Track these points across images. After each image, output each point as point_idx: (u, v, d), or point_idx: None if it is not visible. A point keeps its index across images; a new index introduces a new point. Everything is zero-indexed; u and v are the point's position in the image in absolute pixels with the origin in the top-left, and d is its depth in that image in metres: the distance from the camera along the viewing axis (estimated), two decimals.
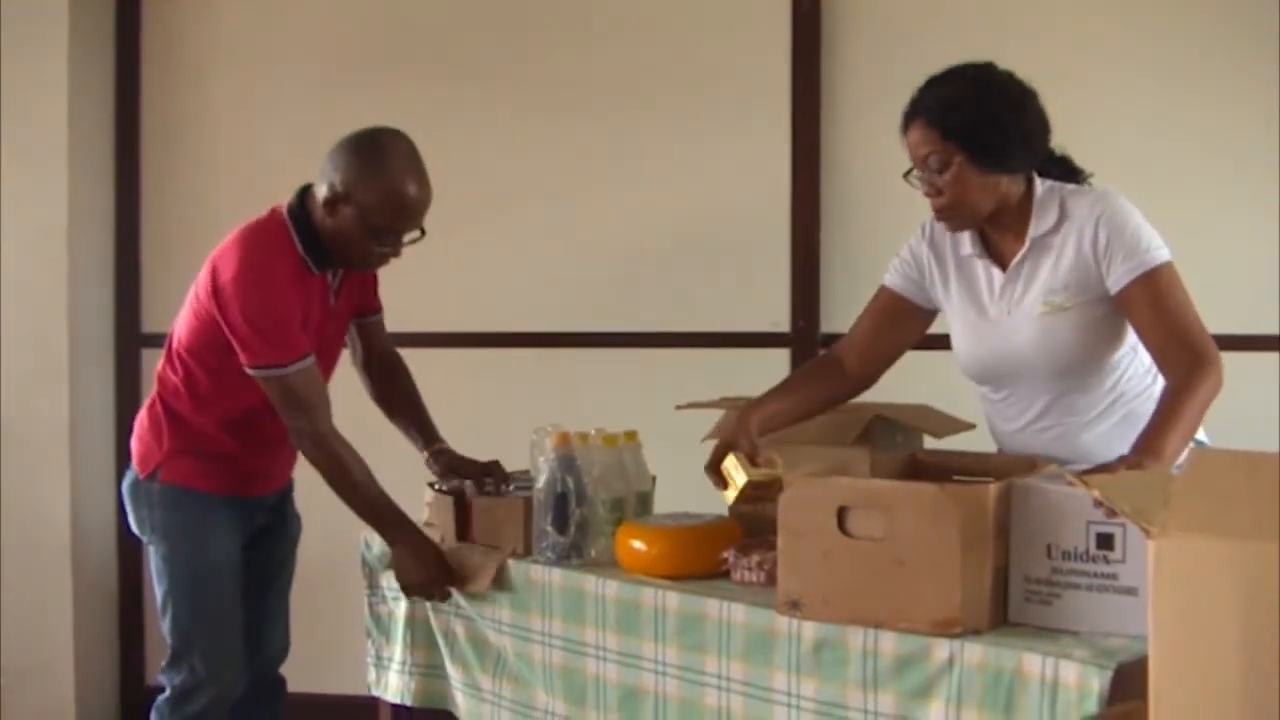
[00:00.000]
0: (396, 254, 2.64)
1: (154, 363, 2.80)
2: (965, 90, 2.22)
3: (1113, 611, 1.79)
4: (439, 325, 3.94)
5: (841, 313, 3.66)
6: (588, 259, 3.89)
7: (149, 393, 2.82)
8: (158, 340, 2.83)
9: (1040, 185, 2.27)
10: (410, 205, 2.57)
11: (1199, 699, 1.14)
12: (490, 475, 2.70)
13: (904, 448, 2.39)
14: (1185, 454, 1.97)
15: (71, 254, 3.96)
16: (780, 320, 3.72)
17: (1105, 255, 2.19)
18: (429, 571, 2.55)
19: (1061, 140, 2.36)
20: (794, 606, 1.99)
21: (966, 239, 2.34)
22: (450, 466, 2.77)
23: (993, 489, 1.86)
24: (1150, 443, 1.98)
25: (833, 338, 3.67)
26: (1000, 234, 2.31)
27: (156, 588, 2.74)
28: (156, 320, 4.01)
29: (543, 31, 3.91)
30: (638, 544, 2.29)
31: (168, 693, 2.72)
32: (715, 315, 3.79)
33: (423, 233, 2.63)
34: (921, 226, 2.43)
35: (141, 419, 2.77)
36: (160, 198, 4.14)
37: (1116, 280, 2.18)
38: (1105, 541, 1.80)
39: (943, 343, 2.48)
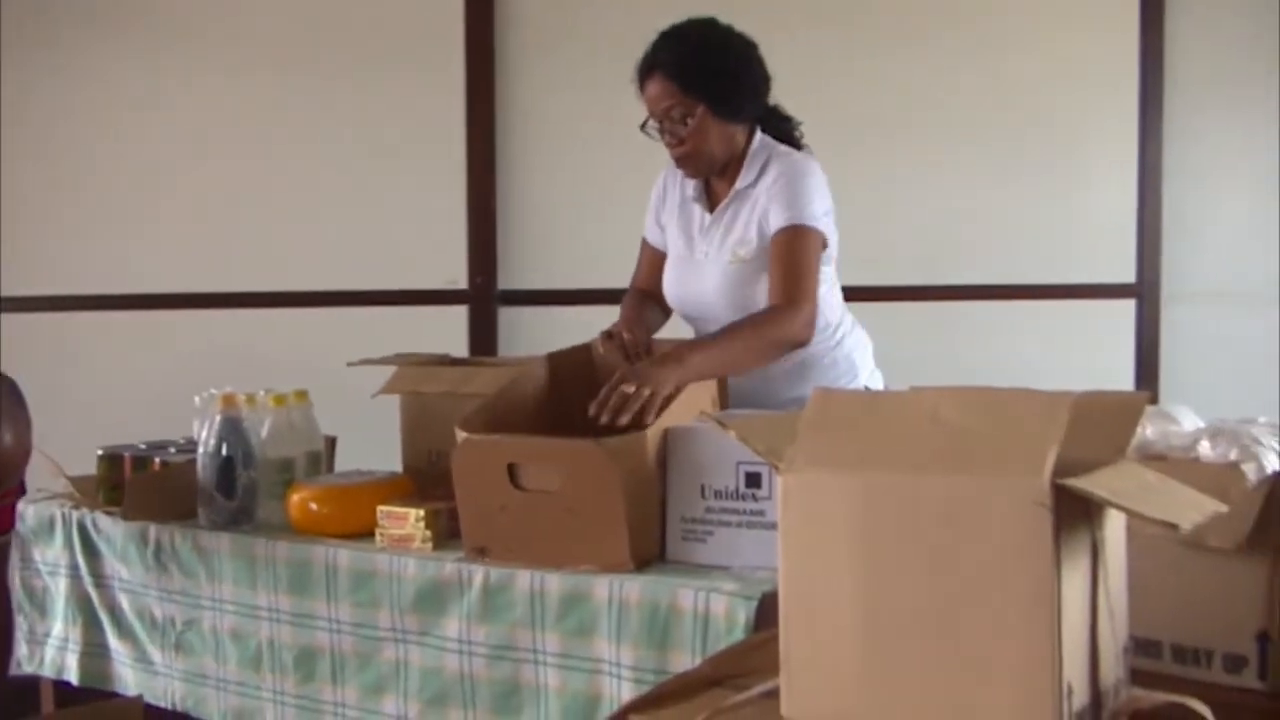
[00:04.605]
0: None
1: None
2: (702, 45, 2.35)
3: (761, 546, 1.90)
4: (97, 287, 3.76)
5: (519, 268, 3.71)
6: (259, 217, 3.79)
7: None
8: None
9: (757, 139, 2.40)
10: None
11: (822, 622, 1.22)
12: None
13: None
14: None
15: None
16: (458, 277, 3.73)
17: (771, 208, 2.32)
18: None
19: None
20: (481, 553, 2.04)
21: (692, 184, 2.47)
22: None
23: (649, 435, 1.95)
24: (680, 348, 2.11)
25: (511, 294, 3.71)
26: (719, 181, 2.45)
27: None
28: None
29: None
30: (307, 504, 2.27)
31: None
32: (393, 272, 3.76)
33: None
34: (662, 174, 2.55)
35: None
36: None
37: (770, 230, 2.31)
38: (753, 480, 1.91)
39: None
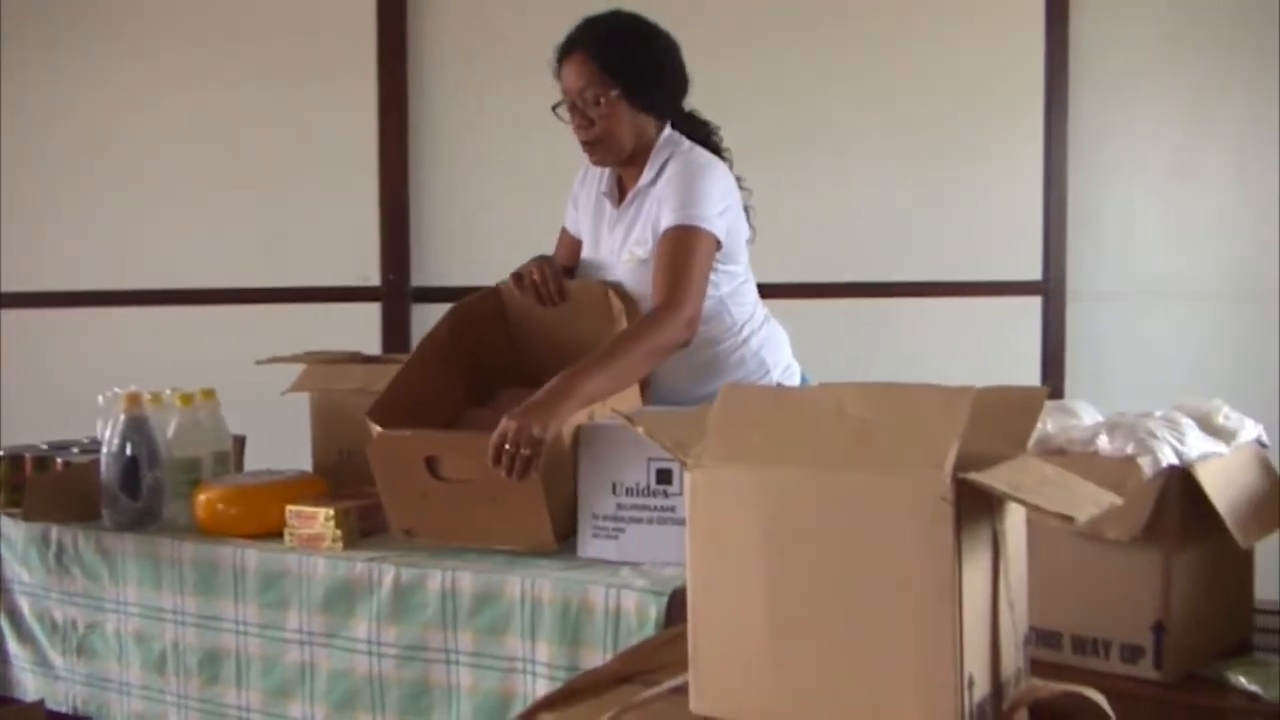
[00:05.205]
0: None
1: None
2: (626, 31, 2.34)
3: (671, 542, 1.90)
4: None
5: (432, 265, 3.69)
6: (166, 213, 3.73)
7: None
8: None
9: (664, 135, 2.39)
10: None
11: (730, 617, 1.23)
12: None
13: None
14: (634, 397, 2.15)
15: None
16: (370, 273, 3.69)
17: (663, 208, 2.29)
18: None
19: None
20: (409, 534, 2.07)
21: (606, 177, 2.46)
22: None
23: (565, 430, 1.94)
24: (569, 378, 2.01)
25: (424, 291, 3.68)
26: (629, 177, 2.43)
27: None
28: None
29: None
30: (214, 504, 2.24)
31: None
32: (303, 269, 3.72)
33: None
34: (584, 165, 2.52)
35: None
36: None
37: (661, 229, 2.29)
38: (664, 477, 1.92)
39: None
